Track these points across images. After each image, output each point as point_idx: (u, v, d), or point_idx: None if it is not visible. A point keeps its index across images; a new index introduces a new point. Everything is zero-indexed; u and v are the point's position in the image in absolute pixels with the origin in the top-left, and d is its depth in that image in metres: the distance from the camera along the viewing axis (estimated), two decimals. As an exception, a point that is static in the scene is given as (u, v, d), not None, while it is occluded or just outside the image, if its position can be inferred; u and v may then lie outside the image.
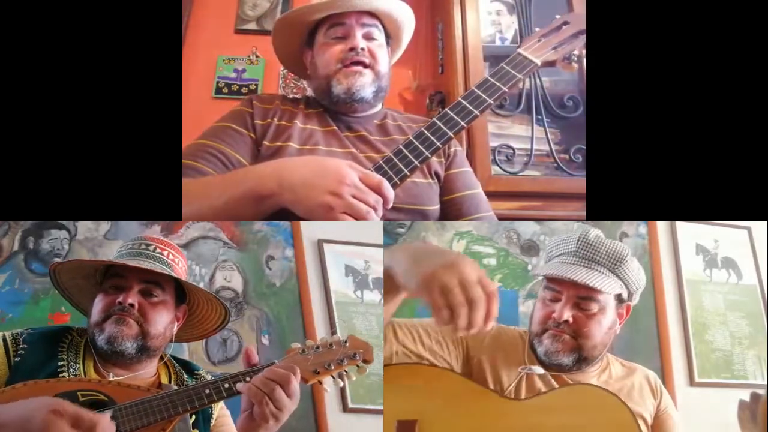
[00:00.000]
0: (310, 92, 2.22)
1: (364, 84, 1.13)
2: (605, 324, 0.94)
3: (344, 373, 0.87)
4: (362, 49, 1.13)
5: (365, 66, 1.13)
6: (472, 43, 1.89)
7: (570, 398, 0.88)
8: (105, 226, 1.55)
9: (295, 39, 1.24)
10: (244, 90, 2.21)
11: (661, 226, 1.73)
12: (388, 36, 1.22)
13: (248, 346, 0.86)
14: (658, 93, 1.03)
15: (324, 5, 1.15)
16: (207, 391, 0.81)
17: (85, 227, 1.55)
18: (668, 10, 1.03)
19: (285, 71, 2.26)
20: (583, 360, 0.93)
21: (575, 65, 1.03)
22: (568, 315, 0.91)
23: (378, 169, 0.92)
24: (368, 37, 1.16)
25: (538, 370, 0.93)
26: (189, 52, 2.21)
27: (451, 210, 1.13)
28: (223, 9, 2.36)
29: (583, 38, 1.03)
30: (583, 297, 0.92)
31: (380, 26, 1.19)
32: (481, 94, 0.97)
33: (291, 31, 1.23)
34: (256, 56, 2.27)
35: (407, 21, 1.23)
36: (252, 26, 2.34)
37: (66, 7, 1.00)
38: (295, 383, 0.81)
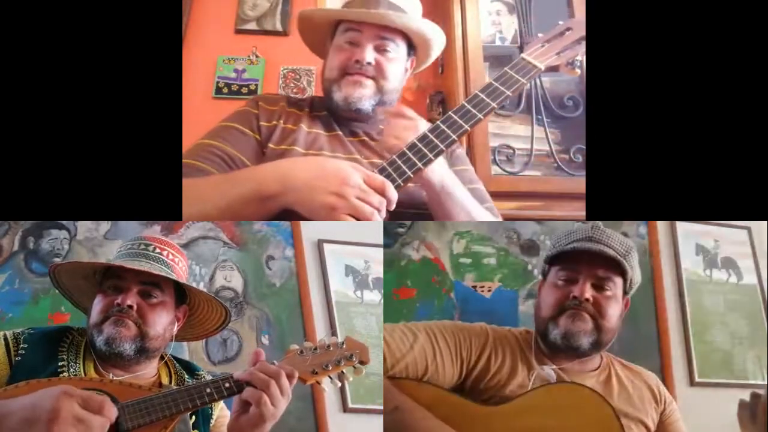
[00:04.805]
0: (310, 93, 2.22)
1: (363, 96, 1.12)
2: (618, 310, 0.94)
3: (342, 373, 0.88)
4: (368, 63, 1.11)
5: (368, 78, 1.12)
6: (472, 43, 1.90)
7: (549, 398, 0.87)
8: (105, 226, 1.55)
9: (318, 32, 1.23)
10: (244, 90, 2.21)
11: (661, 226, 1.73)
12: (412, 47, 1.19)
13: (258, 349, 0.87)
14: (658, 93, 1.03)
15: (342, 13, 1.13)
16: (208, 390, 0.82)
17: (85, 227, 1.55)
18: (668, 10, 1.03)
19: (285, 71, 2.26)
20: (597, 344, 0.92)
21: (578, 70, 1.04)
22: (589, 293, 0.91)
23: (381, 171, 0.93)
24: (381, 49, 1.13)
25: (551, 372, 0.92)
26: (189, 52, 2.22)
27: None
28: (223, 9, 2.36)
29: (585, 44, 1.04)
30: (601, 277, 0.93)
31: (399, 41, 1.15)
32: (485, 98, 0.97)
33: (313, 26, 1.22)
34: (256, 56, 2.27)
35: (433, 38, 1.19)
36: (252, 26, 2.34)
37: (66, 7, 1.00)
38: (285, 379, 0.81)
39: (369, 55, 1.11)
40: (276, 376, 0.81)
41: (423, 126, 1.01)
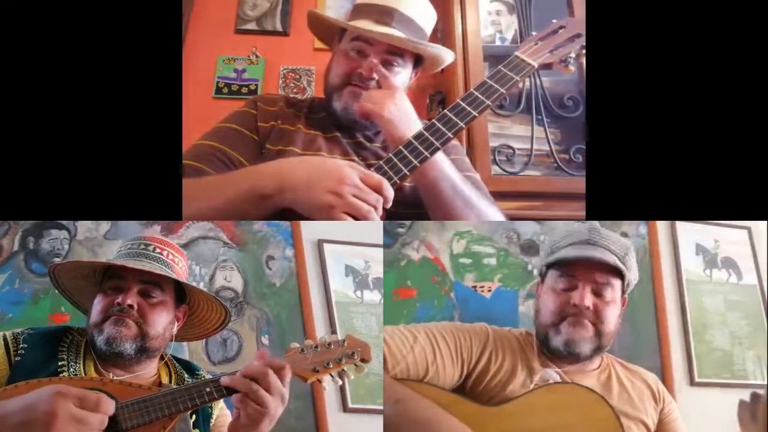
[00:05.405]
0: (310, 93, 2.22)
1: None
2: (617, 312, 0.95)
3: (343, 371, 0.88)
4: (372, 79, 1.09)
5: (369, 90, 1.10)
6: (472, 43, 1.90)
7: (549, 398, 0.88)
8: (105, 226, 1.55)
9: (326, 30, 1.22)
10: (244, 90, 2.21)
11: (661, 226, 1.73)
12: (420, 61, 1.18)
13: (263, 350, 0.86)
14: (658, 93, 1.03)
15: (354, 27, 1.11)
16: (208, 389, 0.81)
17: (85, 227, 1.55)
18: (667, 11, 1.03)
19: (285, 71, 2.26)
20: (597, 349, 0.93)
21: (572, 68, 1.04)
22: (589, 301, 0.91)
23: (378, 169, 0.93)
24: (387, 64, 1.11)
25: (554, 375, 0.92)
26: (189, 52, 2.21)
27: None
28: (223, 9, 2.36)
29: (578, 42, 1.04)
30: (600, 282, 0.93)
31: (407, 57, 1.14)
32: (479, 95, 0.98)
33: (321, 25, 1.22)
34: (256, 56, 2.27)
35: (445, 59, 1.19)
36: (252, 26, 2.34)
37: (66, 8, 1.00)
38: (274, 378, 0.79)
39: (374, 69, 1.09)
40: (260, 376, 0.79)
41: (401, 95, 1.02)
